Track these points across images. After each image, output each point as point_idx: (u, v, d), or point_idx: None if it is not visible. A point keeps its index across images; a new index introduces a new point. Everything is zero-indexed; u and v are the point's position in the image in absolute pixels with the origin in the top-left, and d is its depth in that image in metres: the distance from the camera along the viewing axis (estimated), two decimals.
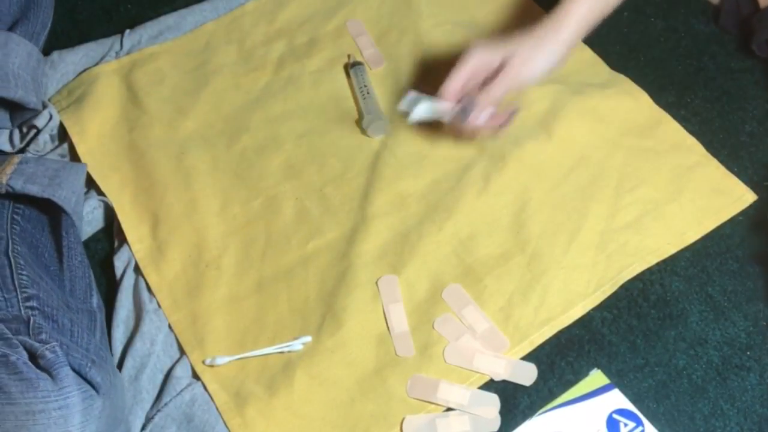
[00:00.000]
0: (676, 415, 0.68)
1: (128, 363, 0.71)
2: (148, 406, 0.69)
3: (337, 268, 0.76)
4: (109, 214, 0.81)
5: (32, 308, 0.64)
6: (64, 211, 0.73)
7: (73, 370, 0.60)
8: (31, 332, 0.61)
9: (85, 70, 0.91)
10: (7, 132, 0.86)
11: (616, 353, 0.72)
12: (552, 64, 0.78)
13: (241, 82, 0.91)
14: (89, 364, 0.61)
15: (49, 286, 0.68)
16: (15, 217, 0.72)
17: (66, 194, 0.73)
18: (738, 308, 0.74)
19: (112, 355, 0.71)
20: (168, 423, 0.68)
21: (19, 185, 0.70)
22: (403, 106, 0.81)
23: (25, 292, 0.65)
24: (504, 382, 0.70)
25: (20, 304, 0.64)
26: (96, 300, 0.73)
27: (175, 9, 0.98)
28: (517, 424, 0.67)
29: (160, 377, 0.71)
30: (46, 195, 0.71)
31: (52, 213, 0.75)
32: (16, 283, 0.65)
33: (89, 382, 0.61)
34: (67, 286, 0.71)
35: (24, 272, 0.67)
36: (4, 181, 0.69)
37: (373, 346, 0.72)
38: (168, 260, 0.77)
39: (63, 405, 0.57)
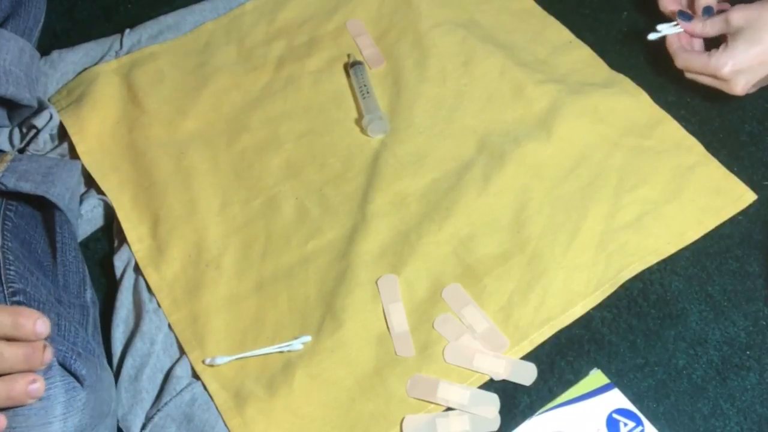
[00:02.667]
0: (676, 414, 0.68)
1: (128, 363, 0.71)
2: (147, 405, 0.69)
3: (337, 268, 0.76)
4: (109, 213, 0.81)
5: (18, 303, 0.64)
6: (58, 208, 0.73)
7: (58, 362, 0.60)
8: None
9: (84, 70, 0.91)
10: (6, 131, 0.86)
11: (616, 353, 0.72)
12: None
13: (241, 82, 0.91)
14: (74, 357, 0.61)
15: (40, 281, 0.68)
16: (7, 213, 0.72)
17: (59, 191, 0.73)
18: (738, 308, 0.74)
19: (106, 350, 0.71)
20: (168, 423, 0.68)
21: (11, 183, 0.70)
22: (651, 36, 0.87)
23: (11, 286, 0.65)
24: (504, 381, 0.70)
25: (6, 298, 0.64)
26: (90, 294, 0.73)
27: (174, 9, 0.98)
28: (517, 423, 0.67)
29: (160, 377, 0.71)
30: (39, 192, 0.71)
31: (45, 210, 0.75)
32: (2, 278, 0.65)
33: (74, 375, 0.61)
34: (61, 281, 0.72)
35: (12, 267, 0.67)
36: None
37: (373, 346, 0.72)
38: (168, 260, 0.77)
39: (44, 396, 0.56)
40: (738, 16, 0.81)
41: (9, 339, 0.53)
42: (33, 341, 0.54)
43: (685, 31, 0.86)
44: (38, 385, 0.54)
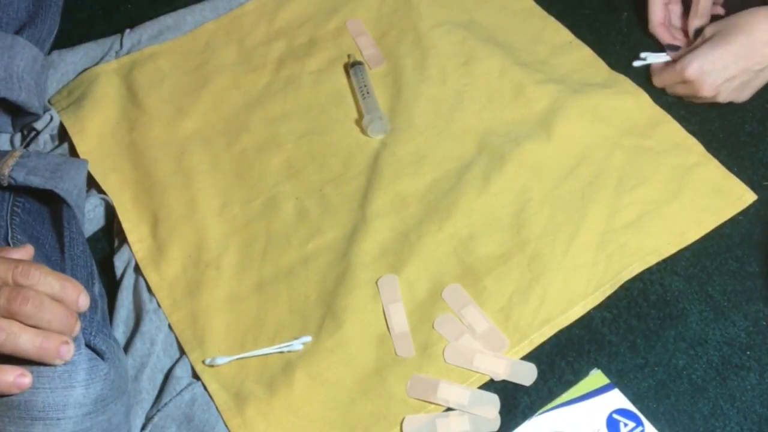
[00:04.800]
0: (676, 415, 0.68)
1: (128, 363, 0.71)
2: (147, 406, 0.69)
3: (337, 268, 0.76)
4: (110, 212, 0.81)
5: None
6: (66, 203, 0.73)
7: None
8: None
9: (85, 70, 0.91)
10: (7, 134, 0.86)
11: (616, 353, 0.72)
12: None
13: (241, 82, 0.91)
14: (93, 333, 0.62)
15: None
16: (15, 209, 0.72)
17: (68, 186, 0.73)
18: (738, 308, 0.74)
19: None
20: (168, 423, 0.68)
21: (21, 177, 0.70)
22: (635, 63, 0.90)
23: None
24: (504, 382, 0.70)
25: None
26: (98, 288, 0.73)
27: (174, 9, 0.98)
28: (517, 424, 0.67)
29: (160, 377, 0.71)
30: (48, 186, 0.71)
31: (53, 206, 0.75)
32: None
33: (94, 350, 0.61)
34: (69, 275, 0.71)
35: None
36: (6, 173, 0.70)
37: (373, 346, 0.72)
38: (168, 260, 0.77)
39: (69, 361, 0.57)
40: (711, 28, 0.84)
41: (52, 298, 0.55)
42: (71, 307, 0.56)
43: (673, 60, 0.88)
44: (69, 347, 0.56)
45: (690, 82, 0.83)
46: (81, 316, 0.62)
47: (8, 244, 0.68)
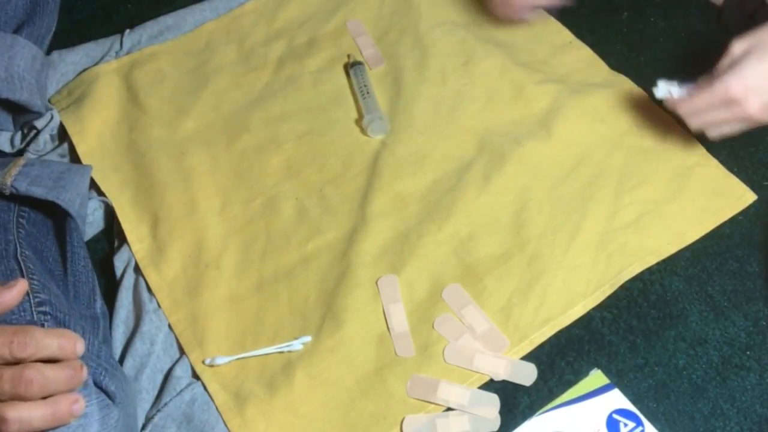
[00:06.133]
0: (676, 415, 0.68)
1: (128, 363, 0.71)
2: (147, 406, 0.69)
3: (337, 268, 0.76)
4: (109, 215, 0.81)
5: (44, 314, 0.63)
6: (69, 214, 0.73)
7: (92, 381, 0.60)
8: None
9: (85, 70, 0.91)
10: (7, 132, 0.86)
11: (616, 353, 0.72)
12: None
13: (241, 82, 0.91)
14: (103, 373, 0.61)
15: (56, 291, 0.68)
16: (20, 221, 0.71)
17: (71, 196, 0.72)
18: (738, 308, 0.74)
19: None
20: (168, 423, 0.68)
21: (23, 187, 0.70)
22: (659, 94, 0.80)
23: (37, 296, 0.64)
24: (504, 382, 0.70)
25: (33, 309, 0.63)
26: (99, 305, 0.72)
27: (174, 9, 0.98)
28: (517, 424, 0.67)
29: (160, 377, 0.71)
30: (50, 197, 0.70)
31: (55, 216, 0.75)
32: (28, 287, 0.64)
33: (104, 392, 0.61)
34: (71, 291, 0.71)
35: (35, 276, 0.65)
36: (8, 183, 0.69)
37: (373, 346, 0.72)
38: (168, 260, 0.77)
39: (82, 414, 0.56)
40: (739, 44, 0.77)
41: (51, 360, 0.54)
42: (72, 361, 0.55)
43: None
44: (80, 405, 0.54)
45: (734, 102, 0.74)
46: (86, 357, 0.61)
47: (18, 261, 0.67)
